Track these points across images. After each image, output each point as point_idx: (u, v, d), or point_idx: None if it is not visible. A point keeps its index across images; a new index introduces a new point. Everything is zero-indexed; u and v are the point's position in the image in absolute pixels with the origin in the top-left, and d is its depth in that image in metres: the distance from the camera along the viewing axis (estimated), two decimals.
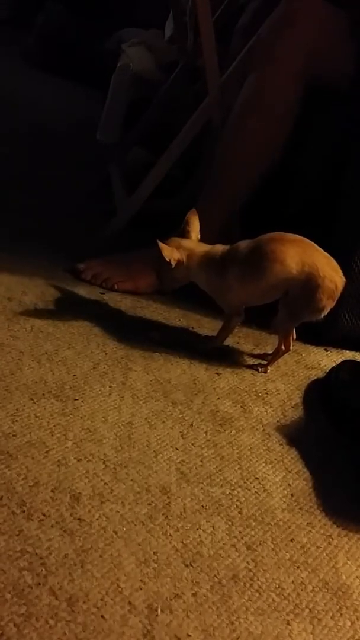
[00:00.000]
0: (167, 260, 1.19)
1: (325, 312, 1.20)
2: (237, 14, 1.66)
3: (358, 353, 1.40)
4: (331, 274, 1.17)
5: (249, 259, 1.18)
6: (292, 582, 0.83)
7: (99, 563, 0.78)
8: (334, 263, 1.19)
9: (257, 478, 0.98)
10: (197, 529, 0.86)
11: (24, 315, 1.21)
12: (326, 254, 1.19)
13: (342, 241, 1.34)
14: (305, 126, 1.39)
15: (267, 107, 1.37)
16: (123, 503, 0.87)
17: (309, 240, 1.19)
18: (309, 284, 1.16)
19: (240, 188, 1.42)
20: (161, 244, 1.18)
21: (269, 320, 1.25)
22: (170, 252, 1.19)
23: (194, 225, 1.24)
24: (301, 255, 1.16)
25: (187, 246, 1.22)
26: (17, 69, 3.02)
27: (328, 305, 1.19)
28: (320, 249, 1.19)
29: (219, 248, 1.23)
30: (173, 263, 1.20)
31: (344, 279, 1.19)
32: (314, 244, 1.19)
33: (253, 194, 1.42)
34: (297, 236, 1.19)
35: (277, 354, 1.26)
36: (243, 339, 1.33)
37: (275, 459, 1.03)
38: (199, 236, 1.25)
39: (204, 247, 1.23)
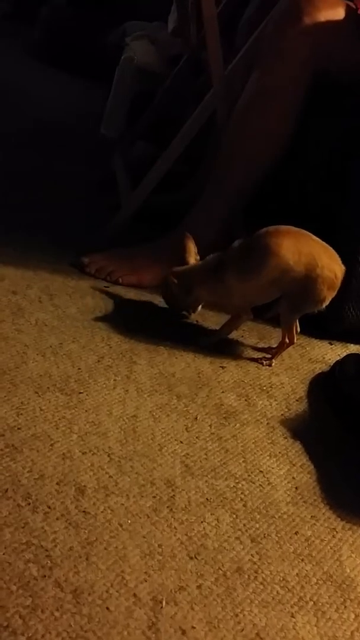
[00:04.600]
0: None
1: (326, 303, 1.19)
2: (242, 5, 1.65)
3: None
4: (329, 262, 1.16)
5: (245, 257, 1.18)
6: (297, 574, 0.83)
7: (104, 555, 0.78)
8: (332, 251, 1.18)
9: (261, 471, 0.98)
10: (202, 522, 0.87)
11: (28, 308, 1.21)
12: (323, 243, 1.18)
13: (347, 235, 1.34)
14: (311, 119, 1.39)
15: (272, 101, 1.37)
16: (128, 496, 0.87)
17: (305, 231, 1.17)
18: (308, 275, 1.15)
19: (244, 183, 1.42)
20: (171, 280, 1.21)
21: (265, 310, 1.26)
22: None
23: (191, 250, 1.24)
24: (297, 246, 1.15)
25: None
26: (21, 63, 3.02)
27: (329, 295, 1.18)
28: (316, 238, 1.18)
29: (210, 257, 1.23)
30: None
31: (343, 267, 1.18)
32: (310, 234, 1.18)
33: (257, 189, 1.42)
34: (291, 227, 1.17)
35: (281, 346, 1.26)
36: (247, 333, 1.33)
37: (279, 452, 1.03)
38: (197, 258, 1.25)
39: (198, 265, 1.23)
